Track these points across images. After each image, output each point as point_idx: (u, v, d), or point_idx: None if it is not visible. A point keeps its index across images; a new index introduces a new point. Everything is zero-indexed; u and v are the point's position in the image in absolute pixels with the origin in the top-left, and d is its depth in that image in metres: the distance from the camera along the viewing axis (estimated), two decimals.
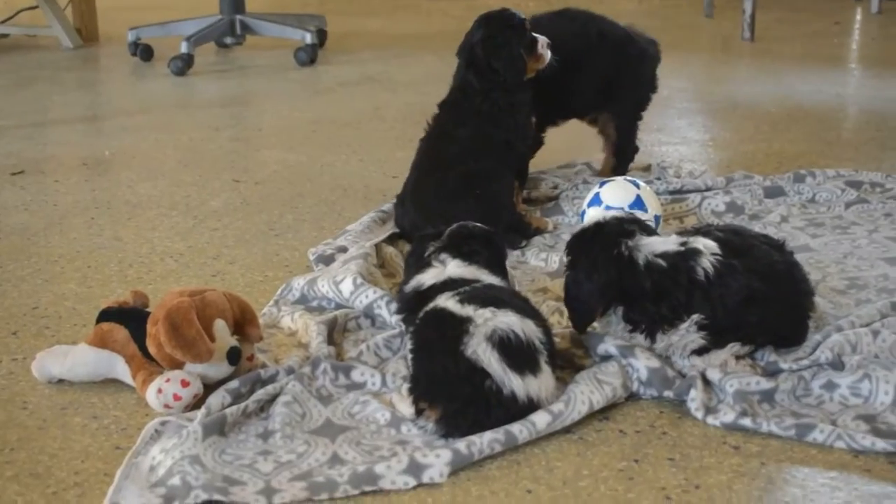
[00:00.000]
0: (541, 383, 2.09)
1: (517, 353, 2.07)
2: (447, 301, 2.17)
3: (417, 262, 2.41)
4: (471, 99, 3.19)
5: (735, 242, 2.36)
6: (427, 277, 2.34)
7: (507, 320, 2.10)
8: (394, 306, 2.53)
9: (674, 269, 2.27)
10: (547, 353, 2.13)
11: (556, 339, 2.29)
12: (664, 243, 2.33)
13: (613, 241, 2.31)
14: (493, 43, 3.17)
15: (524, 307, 2.19)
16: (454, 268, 2.34)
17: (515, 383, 2.05)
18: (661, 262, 2.28)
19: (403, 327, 2.41)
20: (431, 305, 2.21)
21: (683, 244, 2.32)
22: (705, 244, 2.31)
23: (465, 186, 3.07)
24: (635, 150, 3.69)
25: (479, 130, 3.17)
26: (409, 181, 3.22)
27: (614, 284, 2.28)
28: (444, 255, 2.37)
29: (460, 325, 2.09)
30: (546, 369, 2.11)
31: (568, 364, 2.34)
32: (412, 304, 2.32)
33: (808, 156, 4.03)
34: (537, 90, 3.27)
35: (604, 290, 2.29)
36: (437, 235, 2.43)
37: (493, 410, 2.05)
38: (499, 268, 2.42)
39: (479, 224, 2.47)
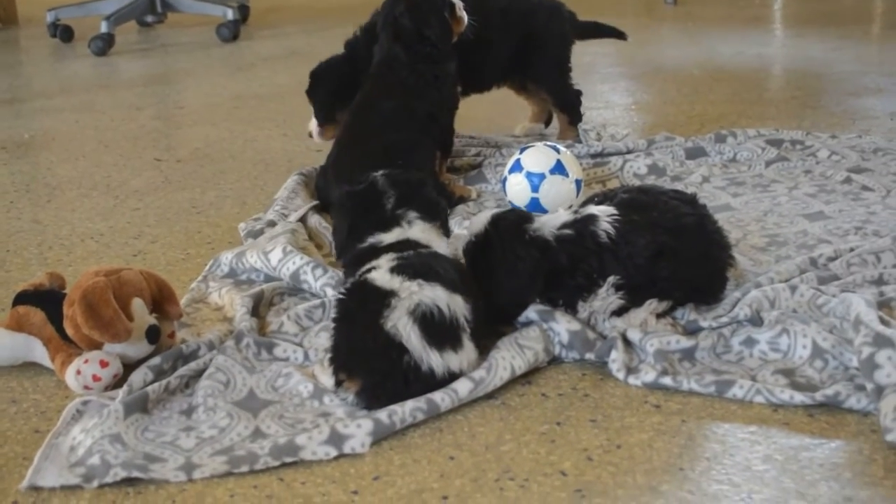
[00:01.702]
0: (461, 358, 2.09)
1: (439, 329, 2.07)
2: (381, 269, 2.16)
3: (378, 217, 2.36)
4: (396, 72, 3.19)
5: (641, 200, 2.38)
6: (389, 237, 2.33)
7: (433, 294, 2.09)
8: (321, 270, 2.53)
9: (580, 236, 2.29)
10: (471, 330, 2.12)
11: None
12: (559, 217, 2.36)
13: (520, 229, 2.32)
14: (419, 11, 3.16)
15: (455, 281, 2.16)
16: (417, 231, 2.33)
17: (434, 359, 2.05)
18: (568, 231, 2.30)
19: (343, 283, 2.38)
20: (362, 271, 2.20)
21: (576, 213, 2.35)
22: (599, 209, 2.34)
23: (386, 157, 3.06)
24: (578, 94, 3.74)
25: (404, 102, 3.16)
26: (332, 153, 3.21)
27: (541, 266, 2.29)
28: (410, 215, 2.35)
29: (383, 298, 2.08)
30: (468, 345, 2.11)
31: (491, 332, 2.33)
32: (365, 259, 2.28)
33: (730, 116, 4.06)
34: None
35: (533, 275, 2.29)
36: (371, 190, 2.40)
37: (410, 385, 2.04)
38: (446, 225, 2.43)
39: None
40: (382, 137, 3.10)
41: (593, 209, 2.35)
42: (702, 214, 2.42)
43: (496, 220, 2.38)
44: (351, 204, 2.40)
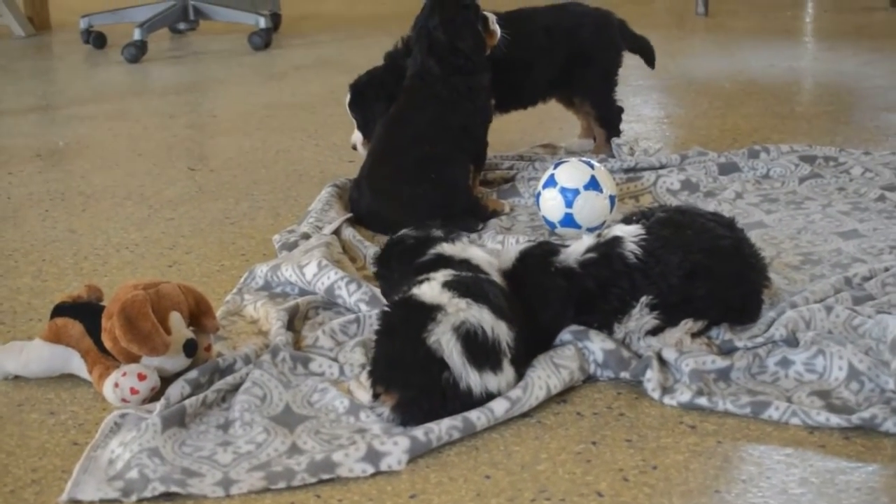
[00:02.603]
0: (500, 380, 2.10)
1: (481, 350, 2.08)
2: (433, 281, 2.17)
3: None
4: (430, 85, 3.21)
5: (677, 220, 2.38)
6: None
7: (479, 315, 2.10)
8: (356, 285, 2.58)
9: (607, 258, 2.30)
10: (512, 356, 2.13)
11: None
12: (581, 244, 2.38)
13: (546, 261, 2.35)
14: (453, 24, 3.18)
15: (502, 307, 2.17)
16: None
17: (473, 378, 2.06)
18: (592, 255, 2.32)
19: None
20: (416, 281, 2.22)
21: (598, 237, 2.38)
22: (623, 230, 2.36)
23: (421, 170, 3.08)
24: (620, 111, 3.76)
25: (438, 115, 3.18)
26: (366, 165, 3.23)
27: (570, 294, 2.31)
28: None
29: (429, 312, 2.09)
30: (508, 369, 2.12)
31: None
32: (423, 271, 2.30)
33: (762, 131, 4.05)
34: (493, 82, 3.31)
35: (563, 303, 2.31)
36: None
37: (448, 402, 2.05)
38: None
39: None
40: (415, 150, 3.12)
41: (618, 231, 2.37)
42: (739, 238, 2.43)
43: (524, 256, 2.40)
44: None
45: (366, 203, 3.14)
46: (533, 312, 2.31)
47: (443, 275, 2.21)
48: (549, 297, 2.32)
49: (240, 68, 5.75)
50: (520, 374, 2.15)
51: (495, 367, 2.09)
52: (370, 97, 3.46)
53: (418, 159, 3.10)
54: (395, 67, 3.44)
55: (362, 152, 3.49)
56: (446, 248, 2.35)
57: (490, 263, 2.36)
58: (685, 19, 6.73)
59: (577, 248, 2.37)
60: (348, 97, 3.51)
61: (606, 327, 2.32)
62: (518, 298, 2.30)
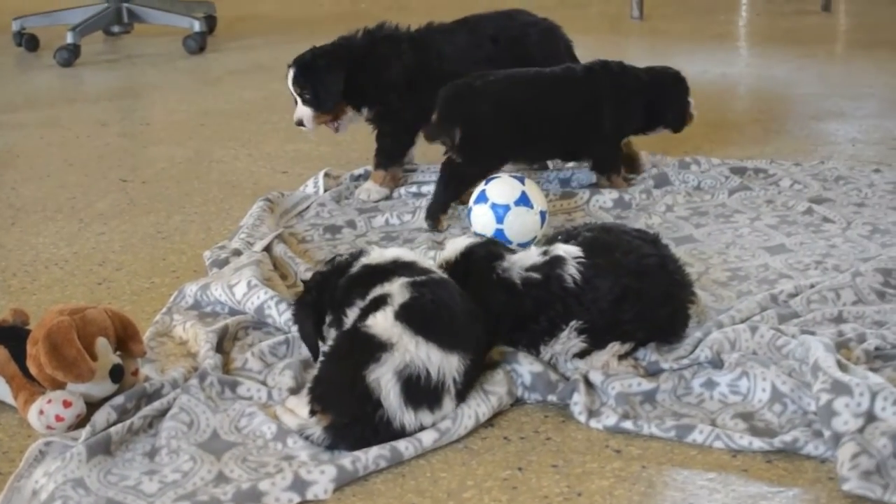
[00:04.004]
0: (436, 416, 2.11)
1: (422, 392, 2.08)
2: (388, 308, 2.16)
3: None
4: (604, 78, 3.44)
5: (603, 240, 2.40)
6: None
7: (427, 357, 2.09)
8: (285, 305, 2.55)
9: (547, 280, 2.31)
10: (457, 391, 2.13)
11: None
12: (528, 257, 2.37)
13: (489, 267, 2.35)
14: None
15: (457, 334, 2.16)
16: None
17: (408, 418, 2.07)
18: (535, 275, 2.32)
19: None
20: (371, 299, 2.22)
21: (545, 253, 2.36)
22: (566, 250, 2.36)
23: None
24: None
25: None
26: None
27: (508, 310, 2.32)
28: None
29: (374, 350, 2.08)
30: (448, 406, 2.13)
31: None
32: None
33: (694, 140, 4.07)
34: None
35: (500, 318, 2.32)
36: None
37: (379, 435, 2.06)
38: None
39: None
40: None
41: (561, 250, 2.37)
42: (664, 255, 2.45)
43: (468, 252, 2.40)
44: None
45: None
46: None
47: (399, 289, 2.20)
48: (488, 309, 2.32)
49: (174, 73, 5.71)
50: (462, 401, 2.16)
51: (434, 405, 2.10)
52: (321, 67, 3.44)
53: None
54: (346, 46, 3.47)
55: (310, 129, 3.50)
56: (372, 258, 2.36)
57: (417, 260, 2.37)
58: (620, 23, 6.76)
59: (521, 261, 2.37)
60: (291, 73, 3.45)
61: (533, 348, 2.33)
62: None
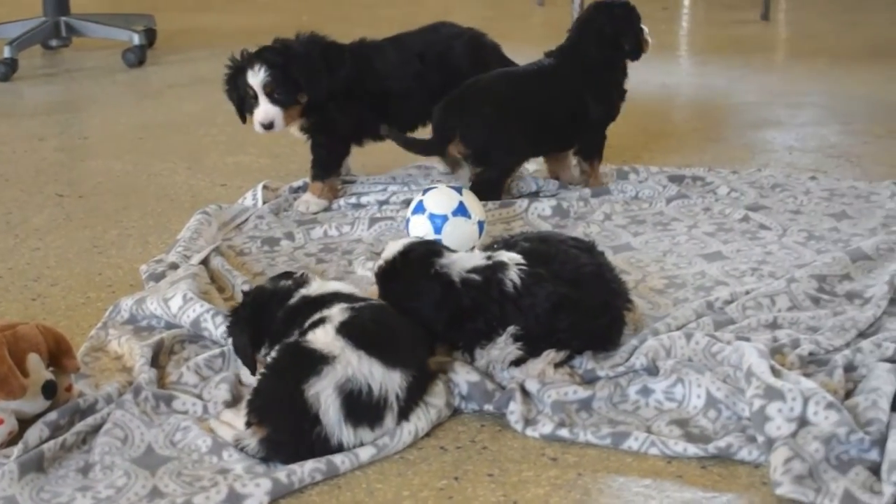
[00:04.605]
0: (376, 434, 2.10)
1: (363, 408, 2.07)
2: (329, 324, 2.15)
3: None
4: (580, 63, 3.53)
5: (542, 250, 2.41)
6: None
7: (370, 371, 2.08)
8: (221, 318, 2.52)
9: (487, 283, 2.31)
10: (399, 409, 2.12)
11: None
12: (471, 259, 2.38)
13: (427, 262, 2.34)
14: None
15: (398, 351, 2.16)
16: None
17: (346, 435, 2.06)
18: (475, 276, 2.32)
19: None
20: (313, 321, 2.20)
21: (489, 258, 2.37)
22: (510, 256, 2.36)
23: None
24: None
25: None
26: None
27: (446, 302, 2.32)
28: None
29: (315, 363, 2.07)
30: (389, 424, 2.12)
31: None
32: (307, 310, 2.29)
33: (634, 149, 4.11)
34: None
35: (438, 310, 2.32)
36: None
37: (316, 451, 2.05)
38: None
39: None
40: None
41: (505, 256, 2.37)
42: (599, 263, 2.46)
43: (407, 251, 2.41)
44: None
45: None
46: (405, 310, 2.33)
47: (339, 313, 2.19)
48: (421, 299, 2.33)
49: (113, 87, 5.67)
50: (404, 419, 2.15)
51: (375, 423, 2.09)
52: (304, 60, 3.41)
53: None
54: (291, 50, 3.43)
55: (278, 130, 3.43)
56: (311, 289, 2.35)
57: (355, 292, 2.37)
58: (561, 34, 6.77)
59: (463, 262, 2.37)
60: (261, 71, 3.36)
61: (469, 351, 2.33)
62: (394, 291, 2.37)
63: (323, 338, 2.12)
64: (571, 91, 3.49)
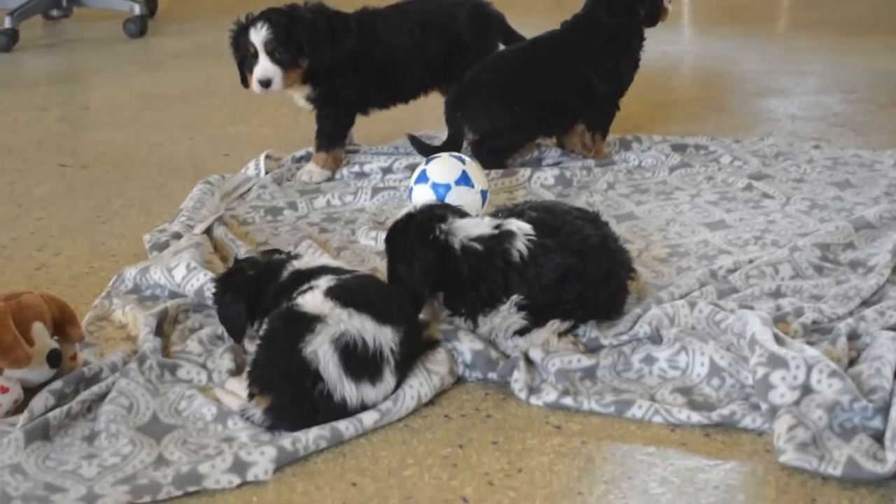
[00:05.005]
0: (378, 392, 2.11)
1: (360, 362, 2.08)
2: (317, 290, 2.17)
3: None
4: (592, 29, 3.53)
5: (548, 221, 2.40)
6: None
7: (361, 326, 2.09)
8: None
9: (489, 252, 2.30)
10: (396, 362, 2.13)
11: None
12: (478, 226, 2.36)
13: (427, 227, 2.33)
14: None
15: (387, 310, 2.16)
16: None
17: (348, 391, 2.07)
18: (476, 245, 2.31)
19: None
20: (301, 290, 2.21)
21: (497, 227, 2.35)
22: (519, 226, 2.34)
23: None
24: None
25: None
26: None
27: (434, 268, 2.31)
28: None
29: (308, 323, 2.08)
30: (388, 380, 2.13)
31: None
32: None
33: (636, 118, 4.09)
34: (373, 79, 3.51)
35: (424, 275, 2.31)
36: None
37: (320, 413, 2.06)
38: None
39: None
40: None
41: (514, 225, 2.36)
42: (604, 234, 2.45)
43: (413, 214, 2.41)
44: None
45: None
46: (397, 270, 2.36)
47: (326, 281, 2.20)
48: (413, 263, 2.33)
49: (114, 57, 5.66)
50: (402, 376, 2.16)
51: (374, 378, 2.10)
52: (309, 22, 3.40)
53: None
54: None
55: (277, 89, 3.40)
56: (301, 262, 2.36)
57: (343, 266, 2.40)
58: (564, 3, 6.76)
59: (468, 229, 2.35)
60: (263, 28, 3.34)
61: (471, 318, 2.33)
62: (390, 255, 2.39)
63: (312, 301, 2.14)
64: (577, 61, 3.47)
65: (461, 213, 2.43)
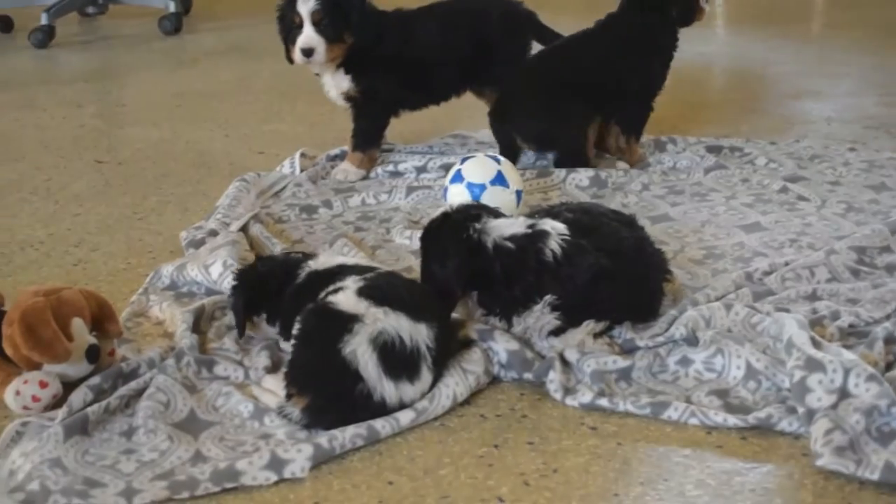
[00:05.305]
0: (416, 389, 2.12)
1: (398, 360, 2.09)
2: (347, 290, 2.17)
3: None
4: (624, 26, 3.52)
5: (584, 222, 2.39)
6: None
7: (397, 324, 2.10)
8: None
9: (522, 251, 2.30)
10: (432, 359, 2.14)
11: None
12: (511, 226, 2.36)
13: (461, 226, 2.33)
14: None
15: (419, 307, 2.17)
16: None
17: (388, 390, 2.07)
18: (509, 244, 2.31)
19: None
20: (329, 290, 2.21)
21: (531, 227, 2.35)
22: (553, 226, 2.34)
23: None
24: None
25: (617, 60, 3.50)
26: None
27: (465, 267, 2.31)
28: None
29: (345, 323, 2.08)
30: (426, 377, 2.13)
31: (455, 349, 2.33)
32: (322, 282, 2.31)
33: (670, 119, 4.09)
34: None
35: (457, 274, 2.31)
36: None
37: (359, 412, 2.06)
38: None
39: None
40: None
41: (548, 225, 2.35)
42: (640, 237, 2.45)
43: (448, 213, 2.41)
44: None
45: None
46: (430, 269, 2.36)
47: (353, 281, 2.21)
48: (445, 261, 2.33)
49: (149, 54, 5.69)
50: (438, 372, 2.17)
51: (413, 375, 2.11)
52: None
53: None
54: None
55: (320, 61, 3.38)
56: (318, 263, 2.38)
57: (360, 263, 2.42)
58: (597, 2, 6.74)
59: (502, 228, 2.35)
60: None
61: (506, 318, 2.34)
62: (424, 253, 2.39)
63: (345, 300, 2.14)
64: (610, 60, 3.46)
65: (497, 214, 2.43)
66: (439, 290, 2.33)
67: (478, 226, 2.34)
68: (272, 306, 2.37)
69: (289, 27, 3.40)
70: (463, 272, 2.32)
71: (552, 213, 2.49)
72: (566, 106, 3.41)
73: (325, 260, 2.40)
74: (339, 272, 2.29)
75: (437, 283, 2.34)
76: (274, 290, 2.36)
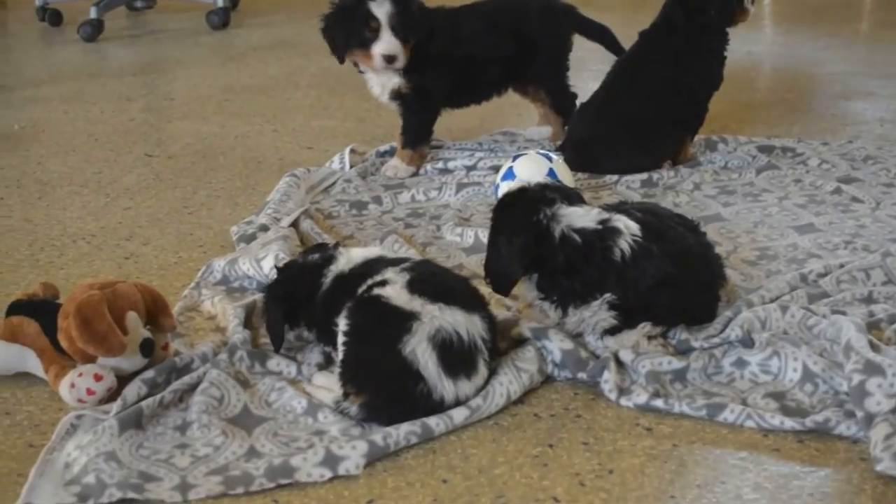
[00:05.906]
0: (473, 385, 2.11)
1: (457, 356, 2.08)
2: (395, 284, 2.15)
3: None
4: (671, 35, 3.47)
5: (652, 224, 2.36)
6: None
7: (454, 319, 2.09)
8: None
9: (588, 247, 2.27)
10: (487, 352, 2.13)
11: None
12: (583, 217, 2.31)
13: (533, 207, 2.31)
14: None
15: (470, 298, 2.17)
16: None
17: (447, 389, 2.06)
18: (576, 237, 2.27)
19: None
20: (371, 283, 2.19)
21: (603, 222, 2.31)
22: (626, 224, 2.30)
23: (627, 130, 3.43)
24: (573, 97, 3.78)
25: (670, 72, 3.46)
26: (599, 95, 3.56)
27: (530, 249, 2.29)
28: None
29: (403, 321, 2.07)
30: (482, 371, 2.13)
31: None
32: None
33: (721, 119, 4.06)
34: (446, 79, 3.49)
35: (521, 253, 2.29)
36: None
37: (417, 410, 2.06)
38: None
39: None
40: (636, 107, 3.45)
41: (621, 223, 2.31)
42: (704, 243, 2.43)
43: (524, 189, 2.39)
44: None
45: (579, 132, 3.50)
46: (494, 245, 2.34)
47: (396, 274, 2.18)
48: (511, 241, 2.30)
49: (197, 48, 5.71)
50: (493, 365, 2.16)
51: (470, 371, 2.10)
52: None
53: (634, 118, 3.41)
54: None
55: (401, 66, 3.38)
56: (340, 265, 2.33)
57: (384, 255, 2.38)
58: (644, 2, 6.72)
59: (573, 218, 2.31)
60: (389, 1, 3.31)
61: (562, 307, 2.32)
62: (493, 225, 2.36)
63: (395, 294, 2.12)
64: (666, 71, 3.45)
65: (575, 199, 2.40)
66: (501, 267, 2.32)
67: (549, 211, 2.31)
68: (306, 314, 2.34)
69: (354, 29, 3.35)
70: (527, 253, 2.30)
71: (622, 209, 2.44)
72: (657, 141, 3.48)
73: (345, 262, 2.33)
74: (369, 268, 2.25)
75: (500, 259, 2.32)
76: (303, 299, 2.32)
